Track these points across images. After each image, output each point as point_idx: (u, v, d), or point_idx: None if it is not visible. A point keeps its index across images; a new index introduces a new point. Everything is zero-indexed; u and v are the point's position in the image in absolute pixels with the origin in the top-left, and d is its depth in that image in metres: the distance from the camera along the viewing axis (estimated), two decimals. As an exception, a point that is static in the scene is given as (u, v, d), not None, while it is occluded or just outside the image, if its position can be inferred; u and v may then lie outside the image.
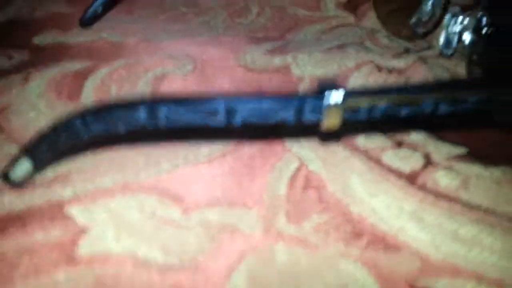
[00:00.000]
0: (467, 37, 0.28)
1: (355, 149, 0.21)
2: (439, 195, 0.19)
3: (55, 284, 0.14)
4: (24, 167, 0.18)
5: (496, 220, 0.17)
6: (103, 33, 0.34)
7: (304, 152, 0.21)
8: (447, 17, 0.28)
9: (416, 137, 0.22)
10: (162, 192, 0.18)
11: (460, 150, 0.21)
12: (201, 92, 0.27)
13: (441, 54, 0.29)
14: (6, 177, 0.18)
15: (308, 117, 0.16)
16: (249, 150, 0.21)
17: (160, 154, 0.21)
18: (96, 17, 0.35)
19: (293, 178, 0.19)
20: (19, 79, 0.27)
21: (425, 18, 0.31)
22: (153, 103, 0.16)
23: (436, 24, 0.30)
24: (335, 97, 0.16)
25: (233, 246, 0.16)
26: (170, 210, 0.18)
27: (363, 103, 0.16)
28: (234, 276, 0.15)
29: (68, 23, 0.36)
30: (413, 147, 0.21)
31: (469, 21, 0.27)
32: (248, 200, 0.18)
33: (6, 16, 0.38)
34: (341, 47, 0.32)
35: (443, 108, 0.17)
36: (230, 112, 0.16)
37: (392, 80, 0.28)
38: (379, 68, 0.29)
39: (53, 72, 0.28)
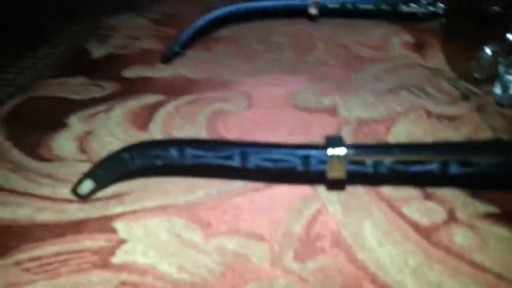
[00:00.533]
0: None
1: (379, 196, 0.22)
2: (451, 253, 0.19)
3: (89, 283, 0.18)
4: (87, 185, 0.22)
5: (504, 287, 0.17)
6: (182, 69, 0.39)
7: (328, 194, 0.22)
8: (502, 66, 0.27)
9: (447, 191, 0.22)
10: (192, 217, 0.21)
11: (490, 209, 0.21)
12: (258, 127, 0.30)
13: (497, 103, 0.28)
14: (74, 191, 0.23)
15: (315, 167, 0.18)
16: (279, 187, 0.23)
17: (200, 183, 0.24)
18: (175, 55, 0.39)
19: (310, 219, 0.21)
20: (105, 108, 0.32)
21: (484, 63, 0.30)
22: (182, 144, 0.19)
23: (496, 70, 0.29)
24: (338, 150, 0.17)
25: (241, 274, 0.18)
26: (194, 234, 0.20)
27: (367, 158, 0.17)
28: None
29: (155, 59, 0.41)
30: (440, 202, 0.22)
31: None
32: (265, 233, 0.20)
33: (104, 51, 0.44)
34: (396, 89, 0.32)
35: (454, 169, 0.17)
36: (244, 157, 0.18)
37: (440, 127, 0.28)
38: (429, 115, 0.29)
39: (132, 104, 0.33)
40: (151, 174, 0.24)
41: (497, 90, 0.28)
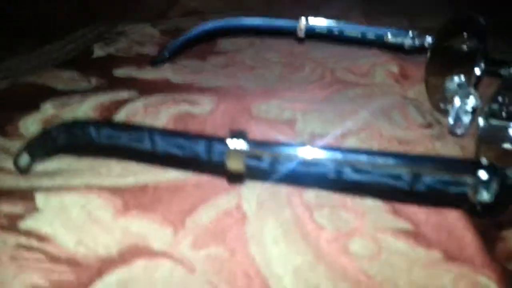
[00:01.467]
0: (480, 119, 0.26)
1: (299, 200, 0.22)
2: (340, 259, 0.18)
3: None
4: (24, 159, 0.23)
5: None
6: (169, 73, 0.41)
7: (250, 192, 0.22)
8: (459, 96, 0.27)
9: (368, 203, 0.22)
10: (111, 198, 0.22)
11: (401, 225, 0.20)
12: (213, 131, 0.30)
13: (450, 133, 0.28)
14: (15, 164, 0.24)
15: (216, 157, 0.18)
16: (207, 180, 0.23)
17: (135, 170, 0.24)
18: (163, 60, 0.41)
19: (222, 212, 0.21)
20: (80, 99, 0.34)
21: (449, 95, 0.30)
22: (100, 124, 0.20)
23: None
24: (238, 144, 0.18)
25: (134, 252, 0.19)
26: (106, 213, 0.21)
27: (265, 154, 0.18)
28: (112, 274, 0.17)
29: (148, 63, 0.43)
30: (355, 212, 0.21)
31: (479, 103, 0.26)
32: (175, 220, 0.21)
33: (106, 51, 0.47)
34: (360, 111, 0.32)
35: (349, 175, 0.17)
36: (153, 141, 0.19)
37: (387, 148, 0.27)
38: (380, 136, 0.29)
39: (105, 97, 0.34)
40: (95, 153, 0.25)
41: (451, 119, 0.27)
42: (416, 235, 0.20)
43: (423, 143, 0.28)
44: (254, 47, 0.48)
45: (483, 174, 0.16)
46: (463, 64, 0.32)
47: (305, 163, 0.17)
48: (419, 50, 0.39)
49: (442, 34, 0.36)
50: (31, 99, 0.34)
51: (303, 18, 0.41)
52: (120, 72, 0.41)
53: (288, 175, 0.18)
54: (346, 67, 0.42)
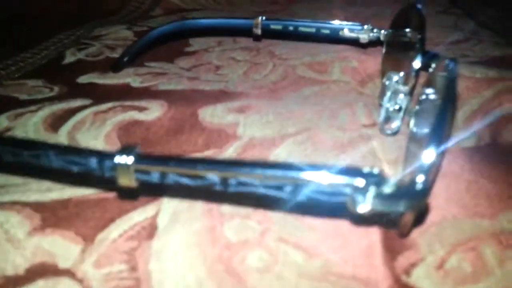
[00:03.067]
0: (410, 119, 0.26)
1: (214, 212, 0.22)
2: (234, 273, 0.18)
3: None
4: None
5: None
6: (131, 78, 0.41)
7: (168, 203, 0.23)
8: (388, 94, 0.26)
9: (279, 214, 0.22)
10: (30, 215, 0.22)
11: (307, 236, 0.20)
12: (154, 138, 0.31)
13: (380, 132, 0.27)
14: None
15: (108, 173, 0.18)
16: (131, 192, 0.24)
17: (64, 186, 0.25)
18: (122, 65, 0.41)
19: (133, 226, 0.21)
20: (35, 109, 0.35)
21: (385, 91, 0.29)
22: (4, 141, 0.20)
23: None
24: (126, 159, 0.18)
25: (39, 272, 0.19)
26: (21, 230, 0.21)
27: (153, 168, 0.18)
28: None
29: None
30: (265, 222, 0.21)
31: (408, 102, 0.25)
32: (87, 237, 0.21)
33: (76, 58, 0.47)
34: (306, 111, 0.32)
35: (234, 187, 0.17)
36: (48, 158, 0.19)
37: (319, 152, 0.27)
38: (318, 138, 0.28)
39: (59, 107, 0.35)
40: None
41: (380, 118, 0.27)
42: (319, 246, 0.20)
43: (357, 145, 0.27)
44: (222, 46, 0.48)
45: (360, 182, 0.16)
46: (407, 58, 0.31)
47: (191, 176, 0.17)
48: (375, 43, 0.38)
49: (394, 26, 0.35)
50: (-9, 111, 0.35)
51: (259, 17, 0.40)
52: (84, 78, 0.42)
53: (179, 187, 0.18)
54: (307, 63, 0.42)
